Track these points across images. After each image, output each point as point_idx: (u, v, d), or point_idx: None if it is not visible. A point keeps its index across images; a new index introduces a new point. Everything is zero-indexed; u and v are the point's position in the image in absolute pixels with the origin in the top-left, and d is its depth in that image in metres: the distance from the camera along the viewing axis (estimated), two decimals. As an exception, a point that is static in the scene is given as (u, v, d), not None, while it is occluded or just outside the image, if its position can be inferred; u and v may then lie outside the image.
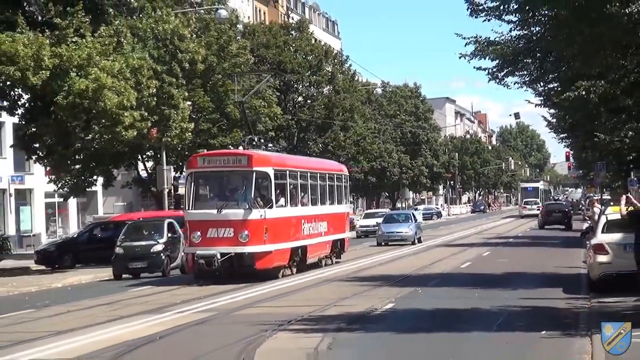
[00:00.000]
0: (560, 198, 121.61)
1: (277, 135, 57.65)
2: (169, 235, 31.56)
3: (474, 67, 25.35)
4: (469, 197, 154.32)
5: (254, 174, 27.34)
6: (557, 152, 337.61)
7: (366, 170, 79.80)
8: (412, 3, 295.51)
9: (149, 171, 46.46)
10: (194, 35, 42.51)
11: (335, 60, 69.98)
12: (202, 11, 45.38)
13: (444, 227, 72.48)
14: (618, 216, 19.56)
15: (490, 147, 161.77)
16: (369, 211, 73.69)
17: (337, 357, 13.62)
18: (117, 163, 44.32)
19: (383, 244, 46.86)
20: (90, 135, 34.84)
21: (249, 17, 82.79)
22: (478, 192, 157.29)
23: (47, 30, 33.01)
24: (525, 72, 26.90)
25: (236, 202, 27.37)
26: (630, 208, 18.78)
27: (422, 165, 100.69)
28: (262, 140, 32.26)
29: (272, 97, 51.12)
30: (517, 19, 22.63)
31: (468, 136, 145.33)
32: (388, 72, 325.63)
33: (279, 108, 52.75)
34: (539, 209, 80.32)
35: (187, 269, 29.39)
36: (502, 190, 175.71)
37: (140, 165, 46.91)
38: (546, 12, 20.66)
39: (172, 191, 40.62)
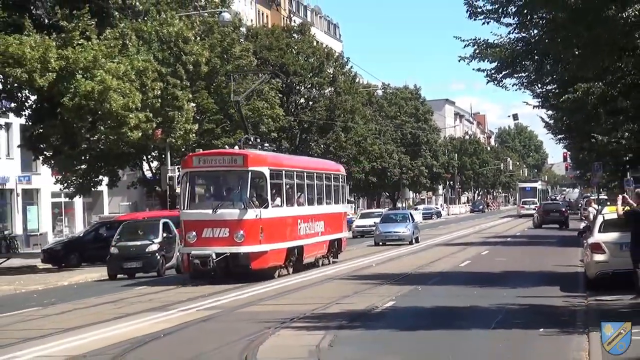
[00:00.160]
0: (557, 198, 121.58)
1: (279, 136, 57.69)
2: (164, 235, 31.03)
3: (473, 69, 25.32)
4: (468, 197, 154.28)
5: (250, 173, 26.82)
6: (555, 152, 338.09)
7: (367, 171, 79.80)
8: (412, 7, 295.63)
9: (154, 171, 46.49)
10: (198, 38, 42.47)
11: (337, 63, 69.94)
12: (206, 14, 45.34)
13: (444, 227, 72.45)
14: (615, 216, 19.56)
15: (489, 148, 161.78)
16: (365, 211, 72.88)
17: (338, 354, 13.61)
18: (123, 163, 44.33)
19: (381, 243, 46.27)
20: (96, 136, 34.93)
21: (251, 20, 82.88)
22: (477, 192, 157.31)
23: (53, 33, 33.05)
24: (523, 74, 26.90)
25: (231, 202, 26.84)
26: (627, 208, 18.78)
27: (422, 166, 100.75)
28: (258, 140, 31.63)
29: (274, 99, 51.11)
30: (515, 21, 22.65)
31: (467, 137, 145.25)
32: (388, 74, 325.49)
33: (281, 109, 52.75)
34: (534, 209, 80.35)
35: (182, 269, 28.64)
36: (500, 190, 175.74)
37: (145, 166, 46.94)
38: (544, 15, 20.68)
39: (168, 191, 40.43)
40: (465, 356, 13.33)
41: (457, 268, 29.88)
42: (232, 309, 20.02)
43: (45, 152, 38.60)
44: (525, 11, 20.84)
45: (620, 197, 19.70)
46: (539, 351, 13.50)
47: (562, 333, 14.84)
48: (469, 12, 22.87)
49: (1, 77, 32.93)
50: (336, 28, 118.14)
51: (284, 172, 28.85)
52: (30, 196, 56.60)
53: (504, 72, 25.18)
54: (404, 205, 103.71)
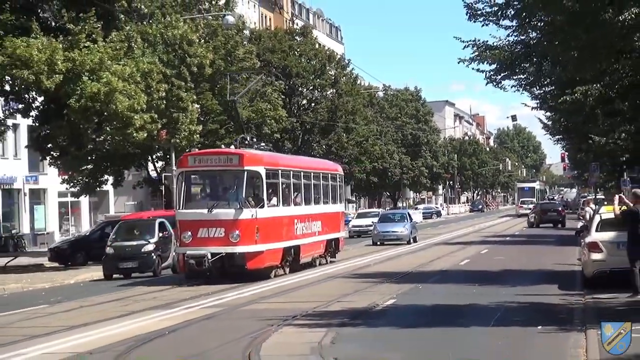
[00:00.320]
0: (555, 198, 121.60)
1: (282, 137, 57.70)
2: (160, 234, 30.36)
3: (473, 69, 25.26)
4: (467, 197, 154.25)
5: (246, 173, 26.23)
6: (553, 153, 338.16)
7: (368, 171, 79.79)
8: (413, 10, 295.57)
9: (159, 171, 46.49)
10: (202, 41, 42.46)
11: (339, 65, 69.96)
12: (210, 17, 45.33)
13: (444, 226, 72.44)
14: (612, 215, 19.55)
15: (488, 149, 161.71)
16: (361, 211, 72.02)
17: (340, 351, 13.60)
18: (128, 164, 44.34)
19: (379, 243, 45.71)
20: (101, 137, 34.95)
21: (255, 23, 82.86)
22: (476, 192, 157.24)
23: (60, 36, 33.04)
24: (522, 76, 26.90)
25: (227, 202, 26.30)
26: (623, 207, 18.77)
27: (422, 166, 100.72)
28: (255, 140, 30.95)
29: (277, 101, 51.14)
30: (514, 24, 22.66)
31: (467, 138, 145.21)
32: (389, 76, 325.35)
33: (284, 111, 52.75)
34: (529, 209, 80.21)
35: (178, 268, 28.20)
36: (499, 190, 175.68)
37: (150, 166, 46.94)
38: (542, 18, 20.67)
39: (163, 190, 40.31)
40: (465, 353, 13.31)
41: (456, 267, 29.86)
42: (234, 307, 20.01)
43: (52, 153, 38.64)
44: (524, 14, 20.84)
45: (616, 196, 19.71)
46: (537, 348, 13.48)
47: (560, 330, 14.84)
48: (468, 15, 22.89)
49: (9, 78, 32.94)
50: (338, 31, 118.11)
51: (280, 171, 28.34)
52: (37, 196, 56.64)
53: (503, 74, 25.19)
54: (404, 204, 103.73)
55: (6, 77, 32.48)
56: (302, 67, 63.52)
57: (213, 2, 46.78)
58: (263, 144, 32.22)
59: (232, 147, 30.46)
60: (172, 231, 29.95)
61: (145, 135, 33.82)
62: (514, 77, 26.60)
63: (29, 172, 54.41)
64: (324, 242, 32.56)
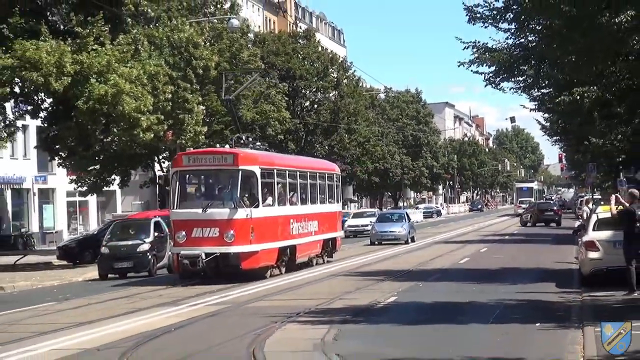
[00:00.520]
0: (553, 198, 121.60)
1: (285, 138, 57.68)
2: (156, 234, 29.61)
3: (472, 71, 25.28)
4: (467, 197, 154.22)
5: (240, 172, 25.49)
6: (551, 154, 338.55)
7: (370, 171, 79.76)
8: (414, 13, 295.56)
9: (165, 171, 46.47)
10: (208, 43, 42.47)
11: (341, 67, 69.94)
12: (215, 20, 45.34)
13: (444, 225, 72.43)
14: (608, 215, 19.54)
15: (487, 150, 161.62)
16: (357, 211, 71.48)
17: (343, 348, 13.59)
18: (135, 164, 44.32)
19: (376, 243, 45.23)
20: (109, 138, 34.98)
21: (259, 27, 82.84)
22: (475, 192, 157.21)
23: (68, 39, 33.09)
24: (520, 78, 26.89)
25: (222, 202, 25.60)
26: (620, 207, 18.77)
27: (423, 167, 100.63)
28: (250, 139, 30.29)
29: (281, 102, 51.16)
30: (513, 27, 22.65)
31: (466, 139, 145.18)
32: (391, 77, 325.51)
33: (287, 112, 52.76)
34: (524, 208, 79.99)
35: (173, 268, 27.39)
36: (498, 190, 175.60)
37: (157, 166, 46.95)
38: (540, 21, 20.66)
39: (158, 189, 40.15)
40: (465, 349, 13.29)
41: (456, 265, 29.84)
42: (238, 304, 19.99)
43: (60, 153, 38.67)
44: (522, 18, 20.82)
45: (613, 196, 19.72)
46: (536, 344, 13.46)
47: (558, 327, 14.83)
48: (468, 17, 22.90)
49: (18, 80, 32.95)
50: (340, 34, 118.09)
51: (275, 171, 27.55)
52: (46, 195, 56.69)
53: (502, 76, 25.17)
54: (405, 204, 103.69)
55: (16, 79, 32.50)
56: (305, 69, 63.48)
57: (218, 6, 46.85)
58: (259, 143, 31.45)
59: (227, 146, 29.81)
60: (168, 231, 29.19)
61: (152, 136, 33.84)
62: (513, 79, 26.57)
63: (38, 172, 54.44)
64: (321, 242, 31.92)
